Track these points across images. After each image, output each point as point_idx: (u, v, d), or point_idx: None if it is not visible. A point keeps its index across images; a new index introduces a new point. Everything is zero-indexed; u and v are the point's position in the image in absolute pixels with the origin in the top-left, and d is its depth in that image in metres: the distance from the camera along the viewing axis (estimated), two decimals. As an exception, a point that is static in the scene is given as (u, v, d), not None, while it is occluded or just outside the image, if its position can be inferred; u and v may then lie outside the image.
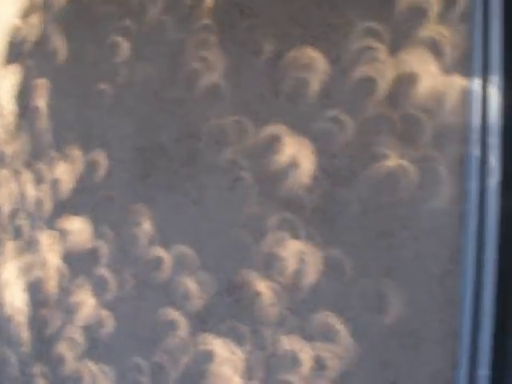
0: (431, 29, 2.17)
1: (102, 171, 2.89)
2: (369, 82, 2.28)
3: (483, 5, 2.10)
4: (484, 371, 2.07)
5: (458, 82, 2.12)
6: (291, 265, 2.41)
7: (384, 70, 2.25)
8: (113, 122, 2.88)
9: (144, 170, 2.78)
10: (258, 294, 2.48)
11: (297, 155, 2.41)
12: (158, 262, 2.71)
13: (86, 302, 2.91)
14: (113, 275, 2.84)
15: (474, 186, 2.08)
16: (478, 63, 2.09)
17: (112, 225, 2.86)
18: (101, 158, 2.90)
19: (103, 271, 2.87)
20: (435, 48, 2.16)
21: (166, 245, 2.70)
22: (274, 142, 2.46)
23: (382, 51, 2.25)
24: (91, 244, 2.91)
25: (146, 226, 2.76)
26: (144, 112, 2.79)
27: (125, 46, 2.88)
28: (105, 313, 2.86)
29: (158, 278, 2.71)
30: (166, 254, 2.69)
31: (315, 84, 2.39)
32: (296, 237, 2.40)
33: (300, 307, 2.38)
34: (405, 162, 2.20)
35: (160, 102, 2.75)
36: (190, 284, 2.62)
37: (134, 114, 2.82)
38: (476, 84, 2.08)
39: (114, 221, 2.85)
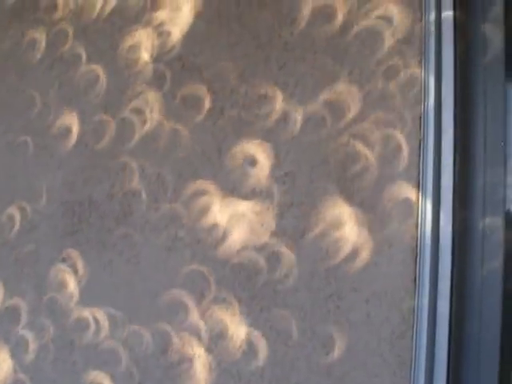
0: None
1: (25, 225, 2.72)
2: (317, 145, 2.25)
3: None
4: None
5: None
6: (232, 328, 2.32)
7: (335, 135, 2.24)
8: (39, 174, 2.72)
9: (72, 226, 2.63)
10: (196, 357, 2.37)
11: (243, 214, 2.34)
12: (87, 322, 2.55)
13: (4, 363, 2.71)
14: (34, 335, 2.66)
15: (427, 247, 2.07)
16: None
17: (35, 282, 2.68)
18: (24, 210, 2.73)
19: (23, 331, 2.68)
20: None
21: (95, 304, 2.55)
22: (215, 201, 2.38)
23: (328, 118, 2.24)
24: (11, 301, 2.72)
25: (74, 284, 2.60)
26: (74, 165, 2.65)
27: (55, 96, 2.75)
28: (23, 376, 2.67)
29: (86, 339, 2.55)
30: (96, 314, 2.54)
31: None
32: (238, 299, 2.31)
33: (242, 371, 2.29)
34: (354, 226, 2.17)
35: (92, 154, 2.62)
36: (122, 346, 2.48)
37: (63, 166, 2.68)
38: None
39: (38, 277, 2.68)
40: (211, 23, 2.49)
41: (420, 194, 2.09)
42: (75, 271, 2.61)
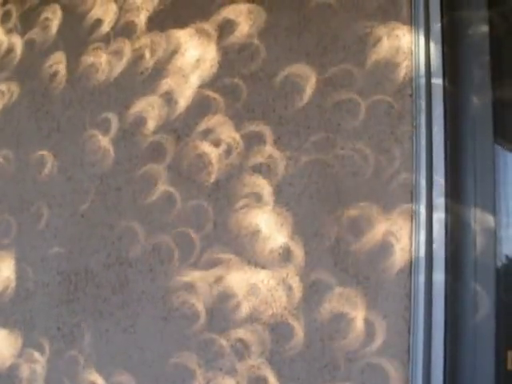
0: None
1: (21, 292, 2.72)
2: (312, 218, 2.28)
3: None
4: None
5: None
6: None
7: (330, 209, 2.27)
8: (36, 243, 2.73)
9: (68, 295, 2.63)
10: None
11: (243, 286, 2.35)
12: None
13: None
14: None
15: (420, 319, 2.09)
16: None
17: (33, 348, 2.67)
18: (20, 279, 2.73)
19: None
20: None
21: (92, 373, 2.54)
22: (213, 272, 2.40)
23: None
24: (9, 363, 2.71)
25: (70, 353, 2.59)
26: (71, 234, 2.66)
27: (51, 165, 2.77)
28: None
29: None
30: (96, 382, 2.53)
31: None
32: (234, 369, 2.32)
33: None
34: (348, 297, 2.19)
35: (88, 225, 2.64)
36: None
37: (59, 236, 2.69)
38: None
39: (35, 344, 2.67)
40: (206, 96, 2.53)
41: (412, 265, 2.11)
42: (71, 340, 2.59)
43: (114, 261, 2.57)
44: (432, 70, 2.25)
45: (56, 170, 2.77)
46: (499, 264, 2.16)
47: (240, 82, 2.48)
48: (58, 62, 2.89)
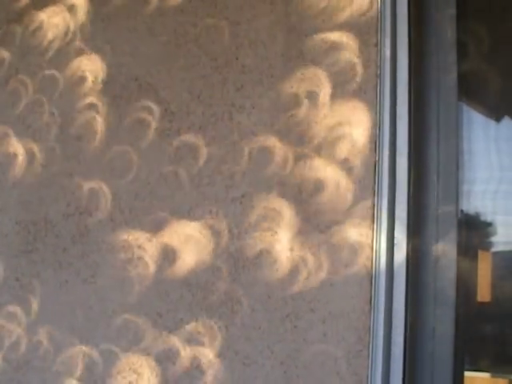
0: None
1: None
2: (273, 167, 2.22)
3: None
4: None
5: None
6: (189, 347, 2.26)
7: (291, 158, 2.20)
8: (-7, 194, 2.64)
9: (27, 245, 2.54)
10: (151, 378, 2.31)
11: (199, 234, 2.29)
12: (42, 342, 2.47)
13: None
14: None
15: (382, 268, 2.05)
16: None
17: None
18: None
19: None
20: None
21: (51, 324, 2.46)
22: (173, 220, 2.33)
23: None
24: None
25: (29, 303, 2.51)
26: (30, 184, 2.57)
27: (10, 114, 2.66)
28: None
29: (41, 359, 2.46)
30: (52, 334, 2.46)
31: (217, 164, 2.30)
32: (195, 318, 2.26)
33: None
34: (311, 246, 2.14)
35: (48, 174, 2.54)
36: (78, 367, 2.40)
37: (18, 185, 2.59)
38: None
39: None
40: (168, 44, 2.44)
41: (375, 216, 2.07)
42: (30, 290, 2.51)
43: (73, 210, 2.49)
44: (398, 19, 2.18)
45: (14, 119, 2.66)
46: (461, 218, 2.13)
47: (203, 30, 2.39)
48: None
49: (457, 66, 2.17)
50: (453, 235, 2.10)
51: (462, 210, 2.14)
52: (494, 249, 2.17)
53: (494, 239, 2.17)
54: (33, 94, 2.67)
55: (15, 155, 2.65)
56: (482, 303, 2.14)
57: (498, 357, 2.15)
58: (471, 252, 2.14)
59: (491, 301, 2.13)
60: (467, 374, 2.13)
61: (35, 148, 2.61)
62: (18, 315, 2.54)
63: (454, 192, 2.12)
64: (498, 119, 2.22)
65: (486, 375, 2.15)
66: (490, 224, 2.16)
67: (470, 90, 2.19)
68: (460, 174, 2.14)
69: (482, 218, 2.17)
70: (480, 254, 2.15)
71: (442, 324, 2.08)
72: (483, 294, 2.13)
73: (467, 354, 2.14)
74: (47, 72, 2.66)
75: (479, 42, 2.19)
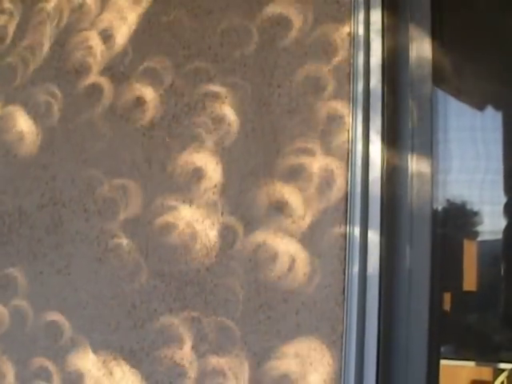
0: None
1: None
2: (247, 156, 2.18)
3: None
4: None
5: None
6: (162, 338, 2.23)
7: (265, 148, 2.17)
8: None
9: (2, 237, 2.50)
10: (125, 371, 2.27)
11: (174, 225, 2.25)
12: (16, 333, 2.44)
13: None
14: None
15: (355, 258, 2.02)
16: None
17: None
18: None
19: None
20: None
21: (26, 315, 2.43)
22: (146, 210, 2.29)
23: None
24: None
25: (5, 295, 2.48)
26: (3, 175, 2.53)
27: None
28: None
29: (16, 351, 2.43)
30: (26, 325, 2.42)
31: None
32: (169, 309, 2.23)
33: (176, 381, 2.20)
34: (284, 237, 2.11)
35: (21, 165, 2.50)
36: (53, 358, 2.37)
37: (-9, 177, 2.56)
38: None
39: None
40: (142, 32, 2.39)
41: (348, 202, 2.03)
42: (6, 283, 2.48)
43: (47, 201, 2.46)
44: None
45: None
46: (436, 208, 2.10)
47: (176, 19, 2.35)
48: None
49: (432, 51, 2.12)
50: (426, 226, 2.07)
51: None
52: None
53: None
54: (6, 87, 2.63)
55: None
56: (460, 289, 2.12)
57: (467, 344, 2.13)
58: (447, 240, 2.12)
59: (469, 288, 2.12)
60: (443, 362, 2.11)
61: (8, 139, 2.56)
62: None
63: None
64: (480, 108, 2.19)
65: (464, 363, 2.13)
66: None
67: (446, 78, 2.16)
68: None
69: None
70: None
71: (416, 310, 2.04)
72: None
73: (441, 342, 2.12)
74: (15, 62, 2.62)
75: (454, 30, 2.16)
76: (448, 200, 2.15)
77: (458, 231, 2.18)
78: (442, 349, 2.13)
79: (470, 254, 2.12)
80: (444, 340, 2.13)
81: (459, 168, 2.14)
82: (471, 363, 2.13)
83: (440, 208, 2.13)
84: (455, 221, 2.17)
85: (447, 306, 2.16)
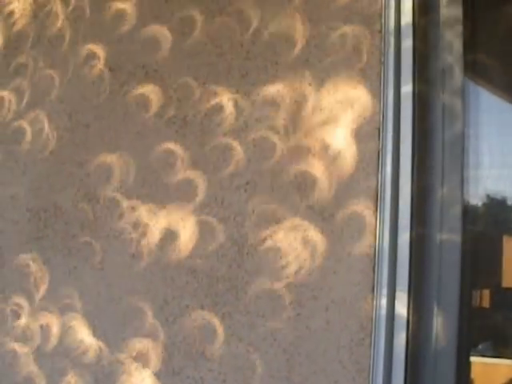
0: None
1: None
2: (278, 154, 2.17)
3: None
4: None
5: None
6: (194, 333, 2.24)
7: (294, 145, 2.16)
8: (4, 180, 2.62)
9: (38, 232, 2.53)
10: (156, 365, 2.29)
11: (207, 222, 2.26)
12: (51, 327, 2.46)
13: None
14: None
15: (385, 256, 2.01)
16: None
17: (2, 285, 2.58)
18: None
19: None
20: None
21: (59, 310, 2.46)
22: (178, 209, 2.30)
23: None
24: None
25: (38, 290, 2.51)
26: (39, 171, 2.56)
27: (16, 102, 2.65)
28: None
29: (51, 344, 2.46)
30: (60, 320, 2.45)
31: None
32: (201, 306, 2.23)
33: (205, 377, 2.21)
34: (313, 231, 2.10)
35: (57, 161, 2.53)
36: (86, 351, 2.39)
37: (28, 172, 2.58)
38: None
39: (2, 282, 2.58)
40: (174, 31, 2.40)
41: (378, 203, 2.02)
42: (41, 277, 2.51)
43: (82, 197, 2.48)
44: (402, 5, 2.12)
45: (24, 108, 2.65)
46: (467, 205, 2.07)
47: (209, 17, 2.35)
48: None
49: (463, 47, 2.10)
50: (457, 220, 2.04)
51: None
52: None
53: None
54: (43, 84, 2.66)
55: (26, 143, 2.63)
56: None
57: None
58: (474, 237, 2.09)
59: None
60: (482, 359, 2.08)
61: (44, 136, 2.59)
62: (30, 301, 2.54)
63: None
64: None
65: (494, 361, 2.11)
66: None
67: (478, 71, 2.13)
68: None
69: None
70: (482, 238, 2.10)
71: (445, 311, 2.02)
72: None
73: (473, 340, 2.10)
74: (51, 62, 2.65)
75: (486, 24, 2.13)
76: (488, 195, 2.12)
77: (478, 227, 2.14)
78: (480, 346, 2.10)
79: (509, 250, 2.09)
80: (482, 337, 2.10)
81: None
82: (496, 360, 2.11)
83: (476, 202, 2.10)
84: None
85: (485, 303, 2.13)
